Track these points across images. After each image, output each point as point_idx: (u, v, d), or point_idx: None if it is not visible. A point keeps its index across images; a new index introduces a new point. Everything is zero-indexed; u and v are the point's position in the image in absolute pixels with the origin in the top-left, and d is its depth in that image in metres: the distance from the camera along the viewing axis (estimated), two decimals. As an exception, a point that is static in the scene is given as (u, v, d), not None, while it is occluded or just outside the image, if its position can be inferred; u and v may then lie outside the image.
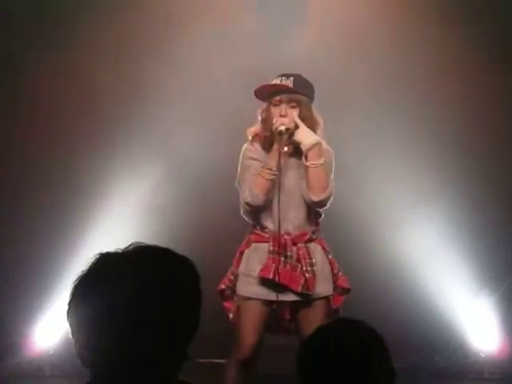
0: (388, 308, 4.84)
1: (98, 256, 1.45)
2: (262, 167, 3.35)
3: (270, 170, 3.32)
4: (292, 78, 3.39)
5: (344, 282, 3.49)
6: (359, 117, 5.13)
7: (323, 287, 3.42)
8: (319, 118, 3.48)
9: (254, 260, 3.38)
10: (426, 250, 5.05)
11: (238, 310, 3.41)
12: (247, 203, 3.37)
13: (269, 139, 3.40)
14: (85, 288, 1.42)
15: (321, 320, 3.27)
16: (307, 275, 3.32)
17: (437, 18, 5.15)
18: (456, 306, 5.01)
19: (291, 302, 3.38)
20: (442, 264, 5.05)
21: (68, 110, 5.19)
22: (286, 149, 3.40)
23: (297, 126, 3.36)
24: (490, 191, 5.02)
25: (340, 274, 3.50)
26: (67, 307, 1.43)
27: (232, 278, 3.44)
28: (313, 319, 3.32)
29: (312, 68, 4.92)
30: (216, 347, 3.52)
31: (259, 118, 3.48)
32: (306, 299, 3.37)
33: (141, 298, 1.39)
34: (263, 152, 3.42)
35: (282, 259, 3.32)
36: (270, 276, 3.29)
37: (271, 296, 3.34)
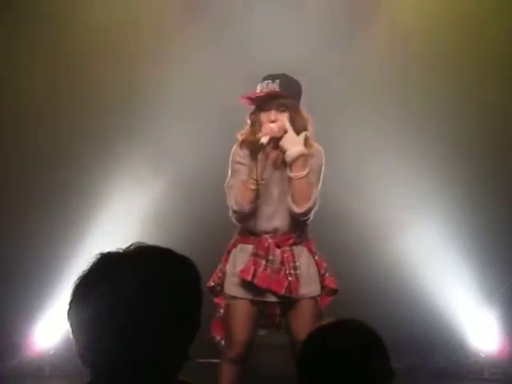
0: (388, 308, 4.84)
1: (98, 256, 1.45)
2: (247, 175, 3.34)
3: (254, 179, 3.30)
4: (278, 81, 3.35)
5: (331, 283, 3.49)
6: (359, 117, 5.13)
7: (309, 288, 3.42)
8: (308, 116, 3.45)
9: (240, 261, 3.40)
10: (426, 250, 5.05)
11: (227, 308, 3.44)
12: (234, 211, 3.39)
13: (255, 145, 3.36)
14: (85, 288, 1.42)
15: (308, 320, 3.33)
16: (290, 278, 3.34)
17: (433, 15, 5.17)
18: (456, 305, 5.01)
19: (277, 302, 3.40)
20: (442, 264, 5.05)
21: (68, 110, 5.19)
22: (272, 154, 3.40)
23: (286, 131, 3.34)
24: (490, 191, 5.02)
25: (327, 274, 3.50)
26: (68, 307, 1.44)
27: (220, 275, 3.48)
28: (300, 320, 3.36)
29: (309, 67, 4.95)
30: (216, 347, 3.52)
31: (248, 121, 3.46)
32: (290, 301, 3.39)
33: (141, 298, 1.40)
34: (250, 157, 3.39)
35: (264, 262, 3.34)
36: (248, 278, 3.31)
37: (256, 296, 3.37)
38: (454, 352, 5.04)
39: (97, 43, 5.17)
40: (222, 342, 3.46)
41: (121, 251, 1.47)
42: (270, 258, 3.35)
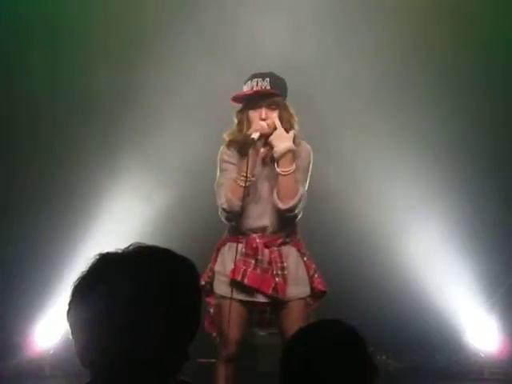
0: (388, 308, 4.84)
1: (97, 256, 1.45)
2: (237, 173, 3.33)
3: (245, 177, 3.30)
4: (268, 79, 3.35)
5: (320, 285, 3.47)
6: (359, 117, 5.13)
7: (298, 289, 3.41)
8: (296, 116, 3.45)
9: (228, 260, 3.39)
10: (426, 250, 5.05)
11: (217, 308, 3.44)
12: (224, 209, 3.37)
13: (243, 144, 3.36)
14: (85, 288, 1.42)
15: (299, 321, 3.31)
16: (277, 279, 3.33)
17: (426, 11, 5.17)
18: (456, 306, 5.01)
19: (267, 302, 3.39)
20: (442, 264, 5.05)
21: (68, 111, 5.20)
22: (262, 150, 3.40)
23: (275, 128, 3.35)
24: (489, 191, 5.02)
25: (316, 275, 3.48)
26: (67, 307, 1.44)
27: (210, 274, 3.47)
28: (291, 321, 3.35)
29: (307, 66, 4.96)
30: (216, 347, 3.52)
31: (235, 120, 3.46)
32: (278, 301, 3.38)
33: (140, 299, 1.39)
34: (238, 156, 3.39)
35: (253, 262, 3.33)
36: (239, 278, 3.31)
37: (245, 296, 3.36)
38: (454, 352, 5.05)
39: (92, 48, 5.19)
40: (218, 338, 3.47)
41: (120, 251, 1.46)
42: (259, 257, 3.34)
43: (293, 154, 3.34)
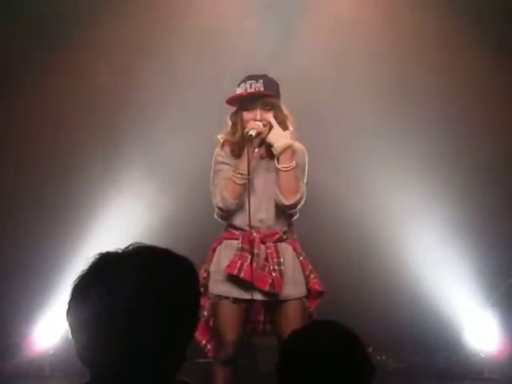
0: (388, 308, 4.84)
1: (97, 256, 1.45)
2: (233, 171, 3.35)
3: (241, 174, 3.33)
4: (262, 81, 3.38)
5: (316, 285, 3.46)
6: (358, 117, 5.13)
7: (295, 289, 3.41)
8: (290, 117, 3.49)
9: (225, 258, 3.39)
10: (426, 250, 5.05)
11: (212, 309, 3.41)
12: (219, 208, 3.39)
13: (238, 144, 3.40)
14: (84, 288, 1.42)
15: (297, 320, 3.31)
16: (274, 274, 3.32)
17: (435, 15, 5.17)
18: (456, 306, 5.01)
19: (263, 302, 3.38)
20: (442, 264, 5.05)
21: (69, 112, 5.21)
22: (256, 150, 3.43)
23: (271, 127, 3.37)
24: (490, 191, 5.02)
25: (312, 276, 3.47)
26: (67, 307, 1.44)
27: (205, 275, 3.46)
28: (289, 320, 3.34)
29: (308, 70, 4.96)
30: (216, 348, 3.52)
31: (229, 122, 3.48)
32: (276, 300, 3.37)
33: (140, 299, 1.39)
34: (233, 157, 3.42)
35: (249, 256, 3.33)
36: (234, 272, 3.30)
37: (241, 295, 3.35)
38: (454, 352, 5.04)
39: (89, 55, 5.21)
40: (208, 346, 3.43)
41: (119, 251, 1.47)
42: (256, 251, 3.33)
43: (292, 150, 3.38)
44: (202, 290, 3.42)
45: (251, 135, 3.31)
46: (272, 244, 3.39)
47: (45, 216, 5.05)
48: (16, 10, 5.16)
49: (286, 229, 3.46)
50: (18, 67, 5.19)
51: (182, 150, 5.02)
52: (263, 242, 3.38)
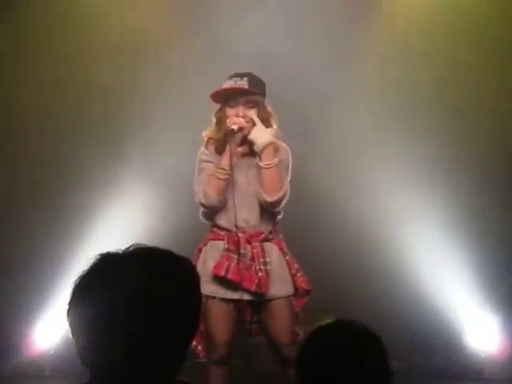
0: (388, 308, 4.84)
1: (98, 256, 1.45)
2: (215, 166, 3.36)
3: (223, 169, 3.32)
4: (246, 78, 3.39)
5: (303, 283, 3.46)
6: (358, 117, 5.13)
7: (281, 288, 3.40)
8: (274, 115, 3.48)
9: (211, 259, 3.39)
10: (426, 249, 5.05)
11: (202, 310, 3.39)
12: (202, 204, 3.39)
13: (222, 141, 3.40)
14: (85, 288, 1.42)
15: (285, 319, 3.34)
16: (260, 274, 3.32)
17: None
18: (456, 306, 5.01)
19: (250, 302, 3.37)
20: (443, 264, 5.05)
21: (70, 113, 5.22)
22: (240, 149, 3.43)
23: (254, 125, 3.37)
24: (490, 191, 5.02)
25: (299, 274, 3.47)
26: (67, 307, 1.44)
27: None
28: (276, 320, 3.35)
29: (308, 71, 4.97)
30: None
31: (213, 119, 3.48)
32: (262, 299, 3.36)
33: (140, 299, 1.39)
34: (217, 155, 3.42)
35: (236, 257, 3.33)
36: (222, 273, 3.29)
37: (228, 294, 3.34)
38: (454, 352, 5.04)
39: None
40: (199, 347, 3.41)
41: (120, 252, 1.46)
42: (242, 251, 3.33)
43: (274, 147, 3.38)
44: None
45: (233, 129, 3.33)
46: (258, 244, 3.39)
47: (45, 216, 5.05)
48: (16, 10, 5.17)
49: (271, 228, 3.45)
50: (17, 63, 5.20)
51: (182, 151, 5.02)
52: (249, 242, 3.38)
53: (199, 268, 3.40)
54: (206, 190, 3.35)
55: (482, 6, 5.16)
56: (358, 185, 5.14)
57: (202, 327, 3.38)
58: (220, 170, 3.33)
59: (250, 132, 3.37)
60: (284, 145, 3.51)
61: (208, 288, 3.32)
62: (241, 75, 3.40)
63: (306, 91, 5.11)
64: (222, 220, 3.42)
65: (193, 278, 1.49)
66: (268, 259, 3.37)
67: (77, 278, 1.44)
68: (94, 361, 1.42)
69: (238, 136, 3.38)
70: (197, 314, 1.49)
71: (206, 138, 3.48)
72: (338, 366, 1.71)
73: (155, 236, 4.48)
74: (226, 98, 3.42)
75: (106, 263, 1.44)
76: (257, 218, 3.41)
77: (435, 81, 5.18)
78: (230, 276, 3.29)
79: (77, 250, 4.80)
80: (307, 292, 3.48)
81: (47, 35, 5.19)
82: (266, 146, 3.34)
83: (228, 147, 3.35)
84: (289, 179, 3.48)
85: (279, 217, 3.50)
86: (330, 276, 5.01)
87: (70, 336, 1.44)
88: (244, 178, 3.43)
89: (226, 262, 3.32)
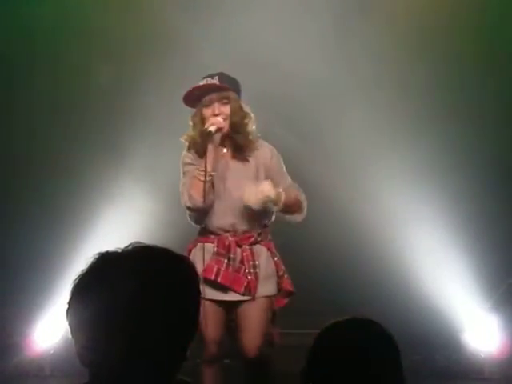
0: (388, 307, 4.83)
1: (97, 256, 1.45)
2: (196, 169, 3.34)
3: (204, 171, 3.29)
4: (217, 77, 3.39)
5: (288, 285, 3.49)
6: (358, 117, 5.13)
7: (265, 287, 3.42)
8: (250, 113, 3.47)
9: (200, 261, 3.37)
10: (426, 249, 5.05)
11: None
12: (188, 207, 3.37)
13: (201, 144, 3.38)
14: (84, 288, 1.42)
15: (259, 317, 3.37)
16: (249, 277, 3.35)
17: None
18: (456, 306, 5.00)
19: (237, 303, 3.39)
20: (443, 264, 5.05)
21: (71, 114, 5.22)
22: (224, 150, 3.44)
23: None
24: (490, 191, 5.02)
25: (285, 276, 3.50)
26: (66, 306, 1.44)
27: None
28: (253, 318, 3.37)
29: (308, 71, 4.96)
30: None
31: (190, 123, 3.47)
32: (252, 299, 3.38)
33: (140, 298, 1.39)
34: (199, 158, 3.41)
35: (225, 261, 3.34)
36: (212, 277, 3.31)
37: (217, 296, 3.36)
38: (453, 351, 5.04)
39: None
40: None
41: (119, 251, 1.47)
42: (232, 256, 3.35)
43: (271, 198, 3.29)
44: None
45: (210, 131, 3.31)
46: (247, 247, 3.40)
47: (45, 216, 5.05)
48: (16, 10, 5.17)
49: (260, 231, 3.47)
50: (23, 65, 5.21)
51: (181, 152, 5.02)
52: (239, 245, 3.39)
53: None
54: (190, 193, 3.33)
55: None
56: (360, 186, 5.14)
57: None
58: (201, 172, 3.30)
59: (244, 195, 3.30)
60: (265, 144, 3.51)
61: None
62: (211, 75, 3.41)
63: (308, 91, 5.11)
64: (210, 223, 3.42)
65: (192, 277, 1.50)
66: (257, 262, 3.39)
67: (76, 277, 1.44)
68: (93, 360, 1.42)
69: (217, 137, 3.36)
70: (196, 313, 1.49)
71: (186, 143, 3.47)
72: (349, 365, 1.68)
73: (155, 236, 4.48)
74: (200, 99, 3.40)
75: (105, 262, 1.44)
76: (245, 221, 3.41)
77: (436, 81, 5.18)
78: (219, 280, 3.32)
79: (77, 250, 4.80)
80: (290, 294, 3.51)
81: (46, 35, 5.19)
82: (265, 206, 3.28)
83: (209, 148, 3.31)
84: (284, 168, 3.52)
85: (270, 221, 3.52)
86: (330, 276, 5.02)
87: (70, 336, 1.44)
88: (231, 181, 3.43)
89: (216, 266, 3.33)
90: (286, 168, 3.58)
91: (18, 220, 5.12)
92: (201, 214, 3.41)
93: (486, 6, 5.13)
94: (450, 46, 5.16)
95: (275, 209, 3.35)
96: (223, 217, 3.39)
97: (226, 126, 3.37)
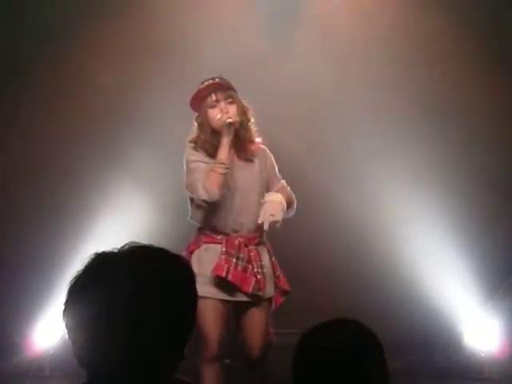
0: (388, 308, 4.84)
1: (93, 256, 1.45)
2: (213, 162, 3.36)
3: (223, 163, 3.33)
4: (217, 79, 3.44)
5: (285, 284, 3.56)
6: (358, 117, 5.13)
7: (270, 287, 3.49)
8: (249, 108, 3.52)
9: (207, 261, 3.40)
10: (426, 249, 5.05)
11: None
12: (204, 200, 3.36)
13: (210, 142, 3.42)
14: (80, 288, 1.42)
15: (265, 319, 3.45)
16: (258, 276, 3.39)
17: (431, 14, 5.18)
18: (456, 305, 5.00)
19: (243, 303, 3.43)
20: (442, 263, 5.05)
21: (71, 115, 5.22)
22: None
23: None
24: (490, 191, 5.02)
25: (281, 276, 3.56)
26: (63, 307, 1.43)
27: None
28: (258, 318, 3.44)
29: (308, 71, 4.97)
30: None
31: (195, 124, 3.50)
32: (256, 300, 3.43)
33: (137, 298, 1.39)
34: (207, 157, 3.43)
35: (234, 260, 3.38)
36: (223, 274, 3.33)
37: (225, 296, 3.39)
38: (453, 352, 5.03)
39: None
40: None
41: (115, 251, 1.46)
42: (241, 255, 3.39)
43: (279, 221, 3.43)
44: None
45: (230, 123, 3.34)
46: (254, 247, 3.45)
47: (45, 216, 5.05)
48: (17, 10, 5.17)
49: (261, 232, 3.51)
50: (22, 66, 5.21)
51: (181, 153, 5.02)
52: (246, 246, 3.44)
53: (194, 270, 3.42)
54: (206, 186, 3.32)
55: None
56: (358, 185, 5.14)
57: None
58: (220, 165, 3.33)
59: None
60: (263, 147, 3.58)
61: (205, 289, 3.32)
62: (212, 78, 3.45)
63: (308, 93, 5.11)
64: (218, 223, 3.44)
65: (188, 276, 1.50)
66: (263, 262, 3.45)
67: (72, 277, 1.43)
68: (92, 360, 1.41)
69: (231, 131, 3.39)
70: (193, 312, 1.49)
71: (192, 144, 3.49)
72: (334, 365, 1.69)
73: (154, 236, 4.48)
74: (203, 100, 3.44)
75: (101, 262, 1.44)
76: (254, 223, 3.44)
77: (435, 81, 5.18)
78: (230, 278, 3.34)
79: (77, 250, 4.80)
80: (286, 292, 3.57)
81: (46, 35, 5.18)
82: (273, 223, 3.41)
83: (224, 141, 3.35)
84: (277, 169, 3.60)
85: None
86: (330, 276, 5.02)
87: (67, 336, 1.43)
88: (239, 180, 3.47)
89: (226, 265, 3.35)
90: (286, 169, 3.62)
91: (17, 220, 5.12)
92: (209, 211, 3.42)
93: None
94: (448, 46, 5.16)
95: (277, 225, 3.45)
96: (234, 216, 3.43)
97: (237, 121, 3.40)
